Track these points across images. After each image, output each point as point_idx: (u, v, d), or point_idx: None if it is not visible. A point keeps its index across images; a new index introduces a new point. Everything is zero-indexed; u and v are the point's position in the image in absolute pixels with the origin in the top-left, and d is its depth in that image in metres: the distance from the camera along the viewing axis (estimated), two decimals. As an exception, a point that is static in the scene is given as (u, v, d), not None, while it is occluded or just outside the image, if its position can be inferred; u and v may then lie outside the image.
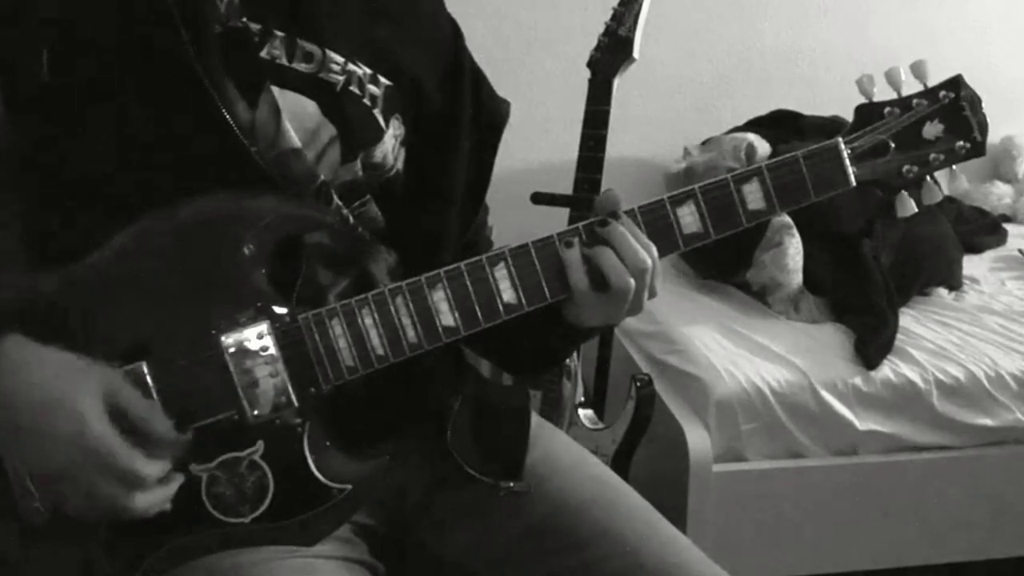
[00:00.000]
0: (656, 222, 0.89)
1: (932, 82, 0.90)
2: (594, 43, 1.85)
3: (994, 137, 3.02)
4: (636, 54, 1.83)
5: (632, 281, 0.87)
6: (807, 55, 2.79)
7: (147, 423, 0.79)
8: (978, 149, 0.91)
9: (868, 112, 0.91)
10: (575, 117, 1.86)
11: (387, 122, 0.96)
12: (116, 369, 0.81)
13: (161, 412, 0.80)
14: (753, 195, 0.89)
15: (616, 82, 1.83)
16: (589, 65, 1.85)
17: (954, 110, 0.90)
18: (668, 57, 2.70)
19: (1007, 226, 2.81)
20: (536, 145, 2.59)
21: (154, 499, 0.79)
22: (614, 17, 1.85)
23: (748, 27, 2.79)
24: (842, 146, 0.89)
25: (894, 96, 0.90)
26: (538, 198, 2.04)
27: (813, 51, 2.79)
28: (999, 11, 2.95)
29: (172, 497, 0.81)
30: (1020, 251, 2.63)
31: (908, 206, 0.93)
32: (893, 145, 0.90)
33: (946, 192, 0.96)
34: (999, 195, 2.96)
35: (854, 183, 0.89)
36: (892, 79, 0.90)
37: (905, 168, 0.91)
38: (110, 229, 0.84)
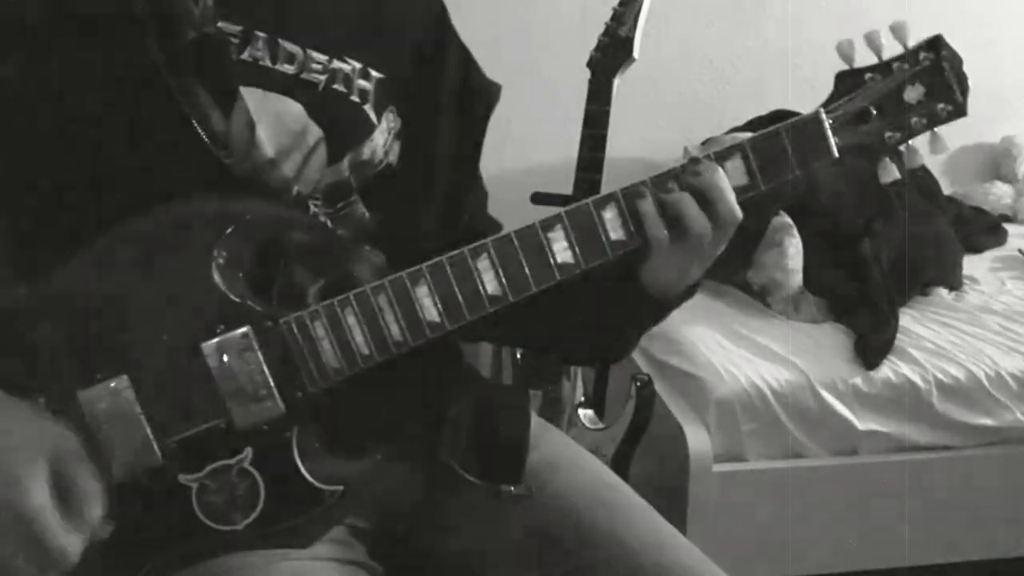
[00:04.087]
0: (635, 204, 0.87)
1: (913, 43, 0.89)
2: (594, 43, 1.85)
3: (994, 137, 3.03)
4: (636, 54, 1.82)
5: (710, 228, 0.86)
6: (807, 55, 2.79)
7: (84, 504, 0.77)
8: (960, 110, 0.89)
9: (849, 79, 0.89)
10: (575, 117, 1.86)
11: (380, 116, 0.95)
12: (72, 434, 0.78)
13: (101, 497, 0.78)
14: (736, 172, 0.87)
15: (616, 82, 1.83)
16: (589, 65, 1.84)
17: (935, 71, 0.88)
18: (668, 57, 2.69)
19: (1007, 226, 2.80)
20: (536, 145, 2.59)
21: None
22: (614, 17, 1.84)
23: (748, 27, 2.79)
24: (823, 116, 0.87)
25: (875, 60, 0.89)
26: (538, 198, 2.04)
27: (813, 51, 2.78)
28: (999, 12, 2.95)
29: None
30: (1020, 251, 2.62)
31: (891, 171, 0.91)
32: (875, 112, 0.88)
33: (938, 168, 0.94)
34: (999, 195, 2.95)
35: (836, 154, 0.87)
36: (872, 43, 0.89)
37: (887, 134, 0.89)
38: (84, 240, 0.82)
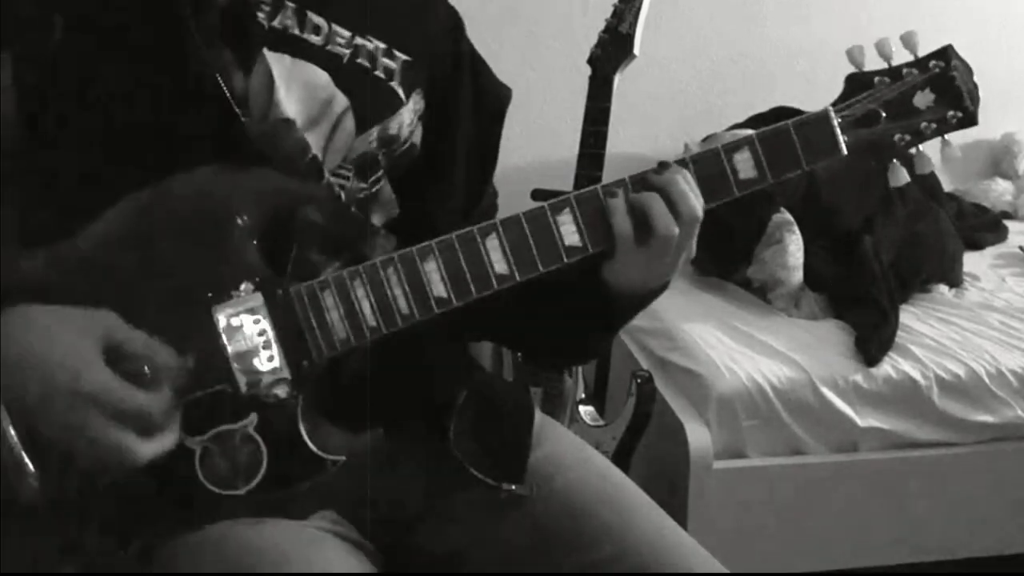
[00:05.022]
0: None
1: (922, 53, 0.90)
2: (595, 40, 1.85)
3: (995, 133, 3.03)
4: (637, 51, 1.83)
5: (676, 230, 0.87)
6: (807, 53, 2.79)
7: (148, 356, 0.78)
8: (970, 118, 0.90)
9: (858, 81, 0.91)
10: (575, 114, 1.86)
11: (408, 95, 0.97)
12: (110, 312, 0.80)
13: (159, 343, 0.80)
14: (744, 164, 0.89)
15: (616, 79, 1.83)
16: (589, 62, 1.85)
17: (945, 79, 0.90)
18: (669, 54, 2.69)
19: (1008, 223, 2.81)
20: (536, 142, 2.59)
21: (160, 445, 0.79)
22: (615, 14, 1.85)
23: (748, 24, 2.79)
24: (832, 114, 0.89)
25: (884, 67, 0.91)
26: (538, 195, 2.04)
27: (813, 49, 2.79)
28: (999, 8, 2.95)
29: (175, 441, 0.81)
30: (1021, 248, 2.63)
31: (900, 175, 0.93)
32: (884, 114, 0.90)
33: (939, 165, 0.94)
34: (1000, 192, 2.96)
35: (845, 151, 0.89)
36: (882, 50, 0.90)
37: (897, 136, 0.90)
38: (101, 202, 0.84)
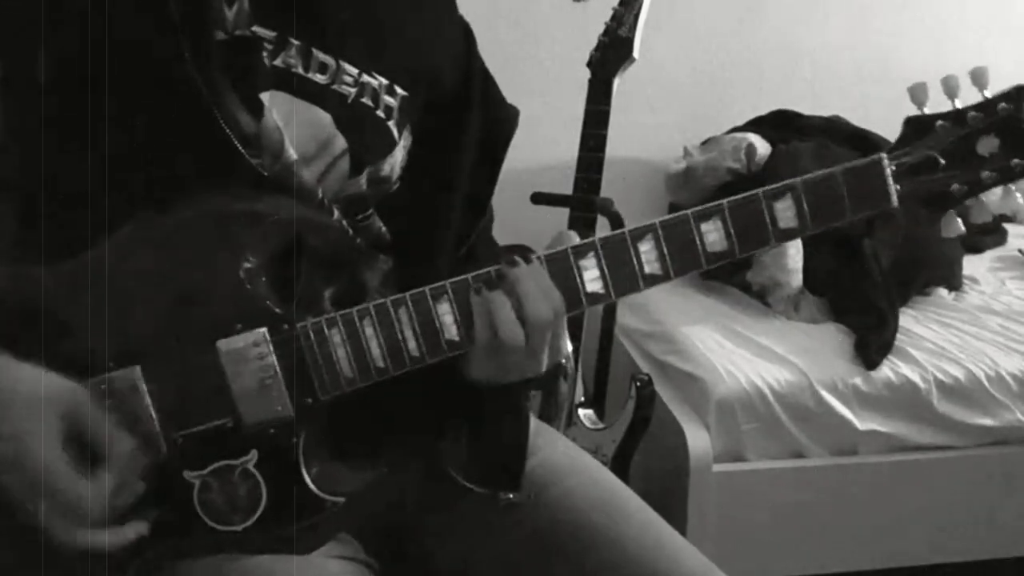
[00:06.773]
0: (679, 237, 0.83)
1: (992, 91, 0.83)
2: (594, 43, 1.85)
3: (994, 137, 3.03)
4: (636, 54, 1.83)
5: (522, 336, 0.82)
6: (807, 55, 2.79)
7: (106, 443, 0.78)
8: None
9: (918, 125, 0.83)
10: (575, 117, 1.86)
11: (400, 133, 0.95)
12: (84, 386, 0.79)
13: (123, 434, 0.79)
14: (785, 212, 0.82)
15: (616, 82, 1.84)
16: (589, 65, 1.85)
17: (1013, 124, 0.82)
18: (668, 57, 2.69)
19: (1007, 226, 2.80)
20: (536, 145, 2.58)
21: (106, 540, 0.77)
22: (614, 17, 1.85)
23: (748, 27, 2.79)
24: (886, 162, 0.81)
25: (948, 109, 0.83)
26: (538, 198, 2.04)
27: (813, 51, 2.79)
28: (999, 10, 2.95)
29: (127, 544, 0.79)
30: (1020, 251, 2.62)
31: (955, 226, 0.85)
32: (943, 161, 0.82)
33: (998, 211, 0.87)
34: (999, 195, 2.95)
35: (896, 203, 0.82)
36: (948, 87, 0.83)
37: (954, 187, 0.83)
38: (106, 229, 0.82)
